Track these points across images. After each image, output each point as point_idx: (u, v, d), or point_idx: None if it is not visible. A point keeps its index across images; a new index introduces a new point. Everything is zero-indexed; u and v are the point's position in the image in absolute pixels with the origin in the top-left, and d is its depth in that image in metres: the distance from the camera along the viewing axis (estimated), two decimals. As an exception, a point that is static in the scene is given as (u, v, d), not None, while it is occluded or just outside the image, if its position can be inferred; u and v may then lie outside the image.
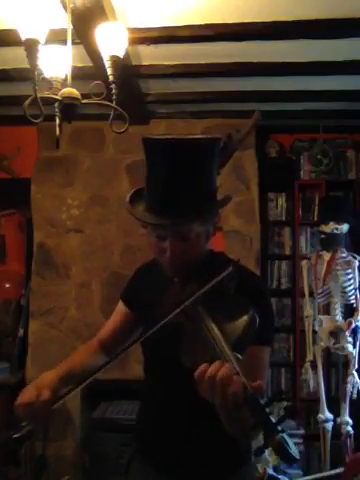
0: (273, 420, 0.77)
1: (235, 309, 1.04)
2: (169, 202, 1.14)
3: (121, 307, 1.51)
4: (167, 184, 1.14)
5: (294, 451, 0.75)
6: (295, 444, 0.77)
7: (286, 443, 0.75)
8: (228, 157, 1.32)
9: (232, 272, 1.15)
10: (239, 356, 0.90)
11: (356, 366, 3.10)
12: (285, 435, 0.76)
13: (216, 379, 0.86)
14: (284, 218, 3.79)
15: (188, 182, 1.14)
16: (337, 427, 3.08)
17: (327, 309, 3.20)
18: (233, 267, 1.21)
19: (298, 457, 0.76)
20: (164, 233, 1.19)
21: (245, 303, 1.05)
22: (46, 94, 1.74)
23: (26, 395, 1.16)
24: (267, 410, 0.79)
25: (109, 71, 1.79)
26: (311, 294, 3.25)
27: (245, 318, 1.01)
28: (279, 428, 0.76)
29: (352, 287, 3.10)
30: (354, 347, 3.09)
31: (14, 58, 2.40)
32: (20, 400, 1.16)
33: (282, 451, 0.75)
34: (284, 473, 3.12)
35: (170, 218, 1.14)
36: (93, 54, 2.12)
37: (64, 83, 1.81)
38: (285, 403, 3.48)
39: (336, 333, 3.14)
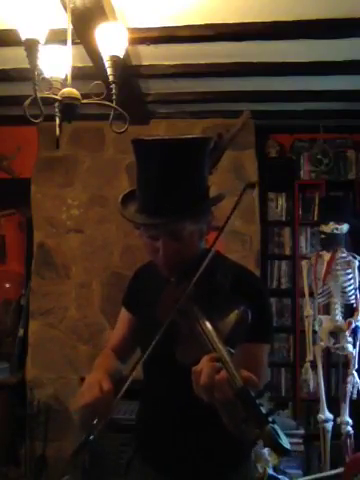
0: (263, 411, 0.77)
1: (227, 306, 1.05)
2: (160, 202, 1.14)
3: (124, 313, 1.51)
4: (157, 184, 1.14)
5: (285, 442, 0.74)
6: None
7: (276, 434, 0.74)
8: (219, 157, 1.32)
9: (225, 268, 1.16)
10: (231, 350, 0.91)
11: (356, 366, 3.11)
12: (276, 426, 0.75)
13: (200, 376, 0.88)
14: (284, 218, 3.79)
15: (178, 182, 1.15)
16: (337, 427, 3.08)
17: (327, 309, 3.20)
18: (226, 262, 1.22)
19: (289, 447, 0.75)
20: (156, 233, 1.19)
21: (237, 300, 1.06)
22: (46, 94, 1.74)
23: (87, 395, 1.14)
24: (257, 402, 0.79)
25: (109, 71, 1.79)
26: (311, 294, 3.25)
27: (236, 313, 1.01)
28: (270, 419, 0.76)
29: (352, 287, 3.10)
30: (354, 347, 3.09)
31: (14, 58, 2.40)
32: (84, 401, 1.14)
33: (272, 442, 0.74)
34: (284, 473, 3.12)
35: (161, 218, 1.15)
36: (93, 54, 2.12)
37: (64, 83, 1.81)
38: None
39: (336, 333, 3.14)
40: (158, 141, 1.15)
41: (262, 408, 0.78)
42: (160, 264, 1.23)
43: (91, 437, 1.08)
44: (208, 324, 1.00)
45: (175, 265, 1.21)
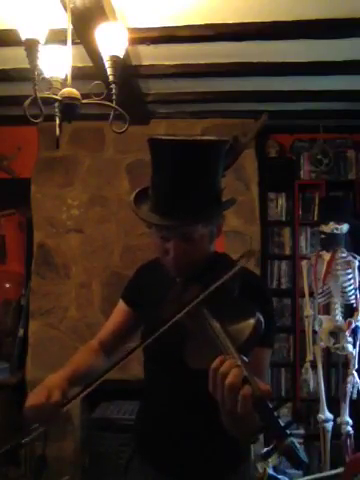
0: (282, 424, 0.77)
1: (241, 312, 1.04)
2: (174, 203, 1.14)
3: (121, 306, 1.51)
4: (173, 185, 1.14)
5: (303, 455, 0.75)
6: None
7: (295, 448, 0.75)
8: (233, 160, 1.32)
9: (236, 273, 1.16)
10: (245, 359, 0.90)
11: (356, 366, 3.10)
12: (294, 439, 0.76)
13: (226, 380, 0.86)
14: (284, 218, 3.79)
15: (194, 183, 1.14)
16: (337, 427, 3.08)
17: (327, 309, 3.20)
18: (227, 258, 1.23)
19: (307, 461, 0.76)
20: (168, 234, 1.19)
21: (251, 306, 1.05)
22: (46, 94, 1.74)
23: (36, 397, 1.15)
24: (275, 414, 0.79)
25: (109, 71, 1.79)
26: (311, 294, 3.25)
27: (252, 321, 1.00)
28: (288, 432, 0.76)
29: (352, 287, 3.10)
30: (354, 347, 3.09)
31: (14, 58, 2.39)
32: (30, 402, 1.15)
33: (292, 455, 0.75)
34: (284, 473, 3.13)
35: (175, 219, 1.14)
36: (93, 54, 2.12)
37: (64, 83, 1.81)
38: (288, 403, 3.49)
39: (336, 333, 3.14)
40: (175, 141, 1.14)
41: (280, 420, 0.78)
42: (169, 265, 1.23)
43: (24, 440, 1.08)
44: (221, 330, 0.99)
45: (185, 266, 1.21)
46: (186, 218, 1.14)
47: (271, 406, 0.80)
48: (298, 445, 0.76)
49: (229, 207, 1.23)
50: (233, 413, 0.85)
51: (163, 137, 1.15)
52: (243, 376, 0.85)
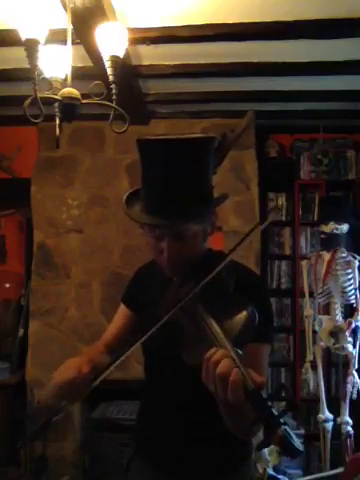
0: (275, 413, 0.78)
1: (234, 306, 1.04)
2: (165, 202, 1.14)
3: (123, 309, 1.52)
4: (162, 184, 1.14)
5: (297, 444, 0.76)
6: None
7: (289, 436, 0.75)
8: (223, 156, 1.32)
9: (230, 268, 1.16)
10: (240, 352, 0.91)
11: (356, 366, 3.11)
12: (288, 428, 0.76)
13: (217, 368, 0.86)
14: (284, 218, 3.79)
15: (184, 182, 1.14)
16: (337, 427, 3.08)
17: (327, 309, 3.20)
18: (230, 261, 1.21)
19: (302, 449, 0.76)
20: (161, 233, 1.19)
21: (244, 300, 1.05)
22: (46, 94, 1.74)
23: (65, 372, 1.16)
24: (269, 404, 0.79)
25: (109, 71, 1.79)
26: (311, 294, 3.25)
27: (244, 314, 1.01)
28: (281, 421, 0.77)
29: (352, 287, 3.10)
30: (354, 347, 3.09)
31: (14, 58, 2.39)
32: (60, 378, 1.15)
33: (286, 444, 0.76)
34: (284, 473, 3.12)
35: (167, 218, 1.14)
36: (93, 54, 2.12)
37: (64, 83, 1.81)
38: (284, 403, 3.49)
39: (336, 333, 3.14)
40: (163, 141, 1.14)
41: (273, 410, 0.78)
42: (163, 264, 1.23)
43: (54, 419, 1.09)
44: (215, 325, 0.99)
45: (179, 265, 1.21)
46: (177, 217, 1.14)
47: (264, 396, 0.80)
48: (293, 434, 0.76)
49: (221, 203, 1.23)
50: (226, 402, 0.85)
51: (151, 137, 1.15)
52: (235, 366, 0.85)
